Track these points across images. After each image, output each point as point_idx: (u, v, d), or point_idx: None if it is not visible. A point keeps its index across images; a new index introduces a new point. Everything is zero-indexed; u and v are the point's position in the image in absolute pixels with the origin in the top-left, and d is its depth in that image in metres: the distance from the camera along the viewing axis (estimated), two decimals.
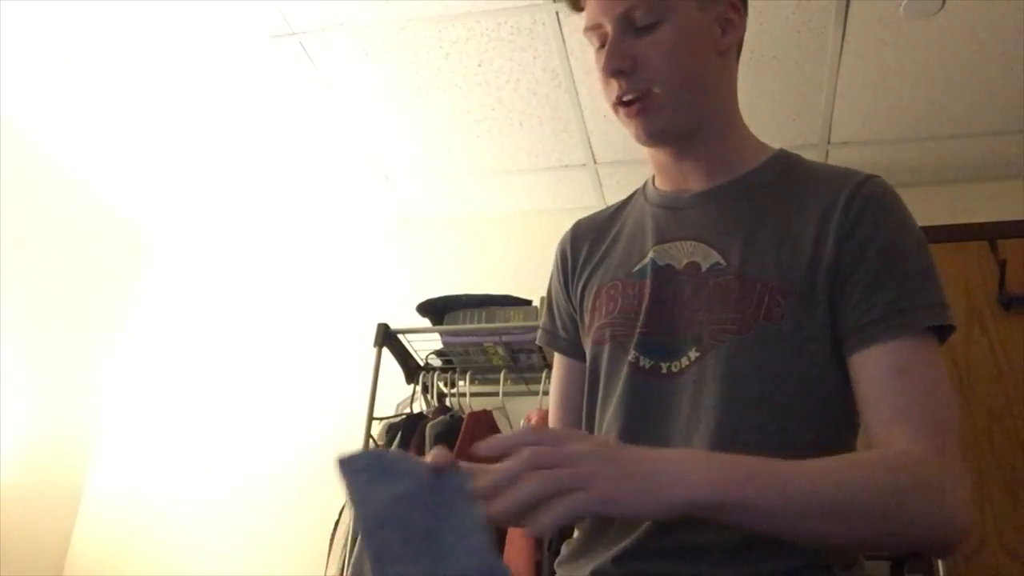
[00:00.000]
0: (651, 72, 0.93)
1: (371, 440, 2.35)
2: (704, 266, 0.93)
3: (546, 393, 2.38)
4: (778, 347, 0.86)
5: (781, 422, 0.85)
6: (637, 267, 0.98)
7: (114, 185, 3.08)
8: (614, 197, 2.98)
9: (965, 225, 2.73)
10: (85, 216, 3.09)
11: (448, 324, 2.55)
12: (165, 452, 3.01)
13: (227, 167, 2.96)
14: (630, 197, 1.11)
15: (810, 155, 2.65)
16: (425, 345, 2.59)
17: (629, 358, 0.93)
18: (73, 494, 2.99)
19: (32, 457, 2.79)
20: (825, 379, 0.87)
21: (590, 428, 0.99)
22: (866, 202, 0.91)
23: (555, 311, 1.11)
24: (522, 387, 2.58)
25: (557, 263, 1.11)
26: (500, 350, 2.48)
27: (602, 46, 0.95)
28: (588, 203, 3.02)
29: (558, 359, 1.10)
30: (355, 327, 2.95)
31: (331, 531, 2.46)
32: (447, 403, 2.55)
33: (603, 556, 0.86)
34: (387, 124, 2.67)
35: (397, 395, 2.61)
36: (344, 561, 2.22)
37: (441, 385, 2.60)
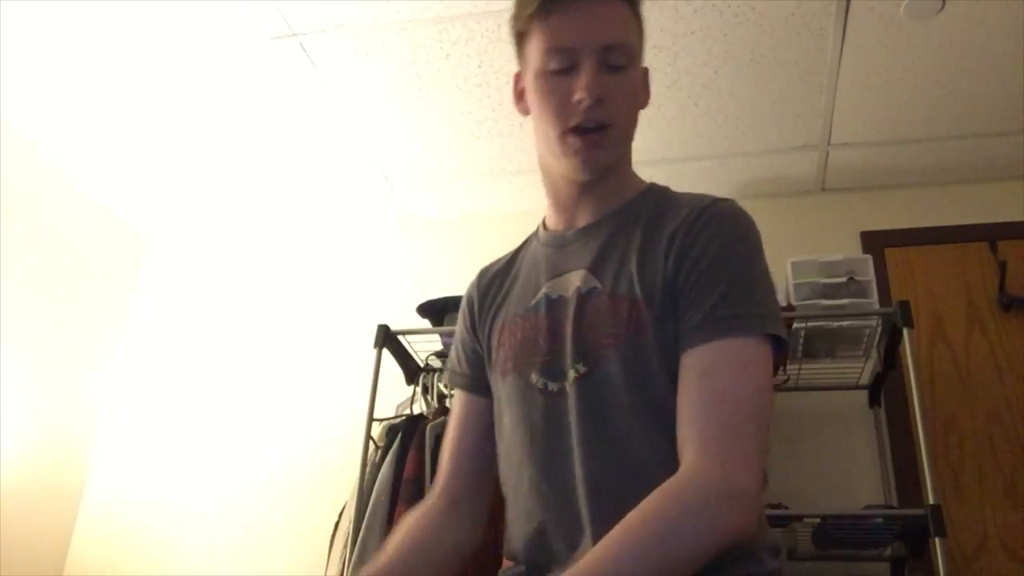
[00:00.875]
0: (615, 109, 1.00)
1: (371, 441, 2.35)
2: (584, 290, 1.02)
3: None
4: (647, 357, 0.94)
5: (658, 423, 0.92)
6: (533, 301, 1.07)
7: (114, 185, 3.08)
8: None
9: (966, 227, 2.73)
10: (85, 216, 3.08)
11: (448, 325, 2.54)
12: (165, 453, 3.01)
13: (227, 168, 2.96)
14: (525, 242, 1.22)
15: (810, 155, 2.69)
16: (425, 346, 2.59)
17: (535, 384, 1.01)
18: (73, 495, 2.98)
19: (32, 458, 2.79)
20: None
21: (501, 452, 1.07)
22: (706, 222, 0.98)
23: (460, 351, 1.20)
24: None
25: (464, 308, 1.21)
26: None
27: (562, 70, 1.00)
28: None
29: (459, 396, 1.18)
30: (355, 328, 2.95)
31: (331, 532, 2.45)
32: (447, 404, 2.55)
33: None
34: (387, 125, 2.67)
35: (397, 396, 2.61)
36: (344, 562, 2.22)
37: (441, 386, 2.60)
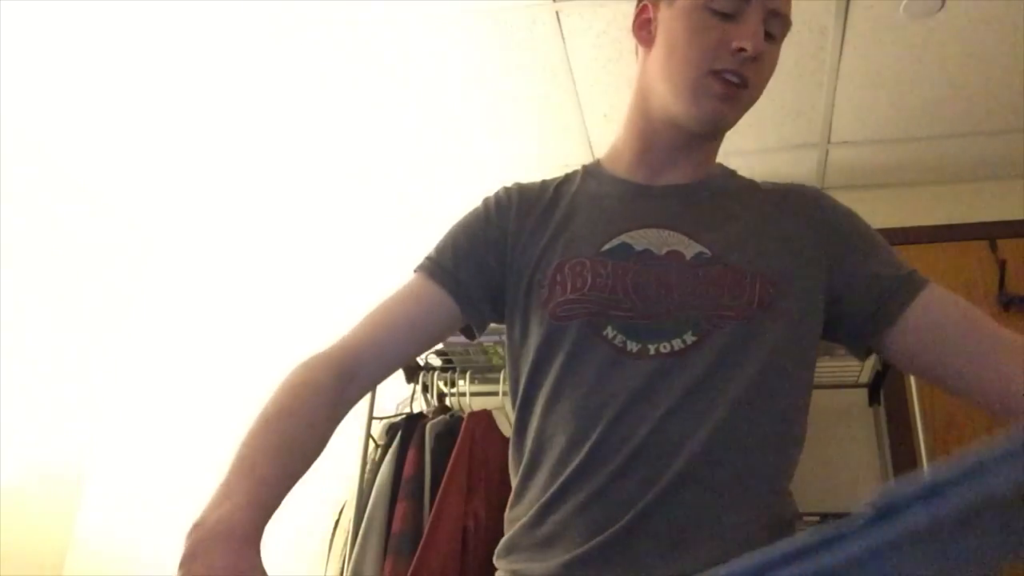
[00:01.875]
0: (758, 75, 0.99)
1: (371, 440, 2.35)
2: (687, 255, 0.95)
3: None
4: (774, 332, 0.91)
5: (780, 400, 0.91)
6: (606, 247, 0.97)
7: (117, 184, 3.08)
8: None
9: (965, 225, 2.73)
10: (86, 215, 3.08)
11: None
12: (167, 450, 3.01)
13: (227, 167, 2.96)
14: (566, 178, 1.11)
15: (810, 155, 2.70)
16: None
17: (611, 340, 0.91)
18: (73, 496, 2.98)
19: (32, 459, 2.79)
20: (808, 358, 0.96)
21: (531, 397, 0.97)
22: (828, 202, 1.05)
23: (461, 251, 1.07)
24: None
25: (492, 211, 1.09)
26: (500, 350, 2.48)
27: (725, 14, 0.96)
28: None
29: (425, 283, 1.06)
30: None
31: (331, 531, 2.46)
32: (447, 403, 2.55)
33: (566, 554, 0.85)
34: (387, 124, 2.67)
35: (397, 395, 2.61)
36: (344, 561, 2.22)
37: (441, 385, 2.60)
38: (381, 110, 2.60)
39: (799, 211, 1.02)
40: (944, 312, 0.94)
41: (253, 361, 3.10)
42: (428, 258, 1.09)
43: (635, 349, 0.90)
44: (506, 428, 2.44)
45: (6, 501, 2.65)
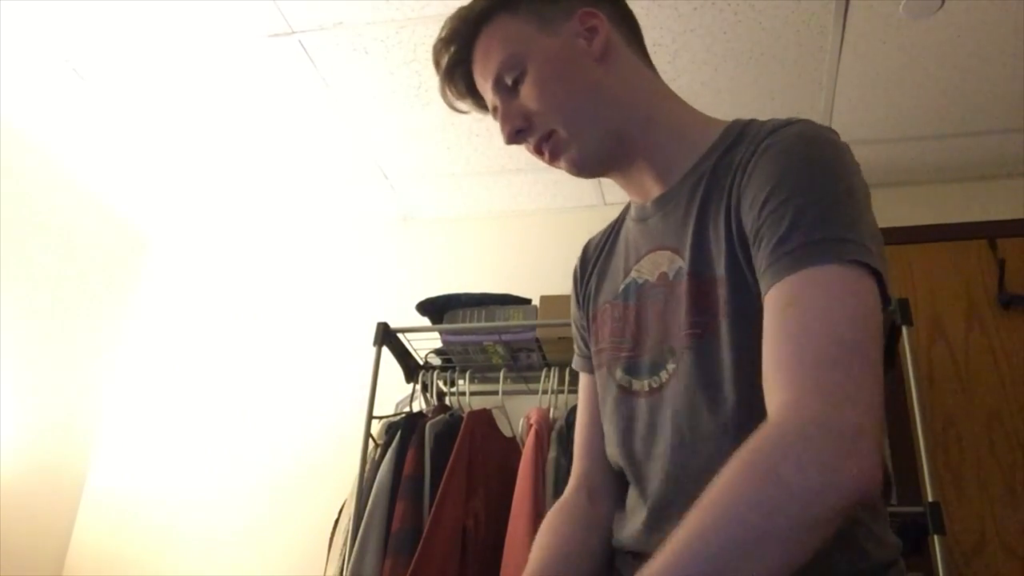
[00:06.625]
0: (541, 117, 0.96)
1: (371, 439, 2.35)
2: (671, 274, 0.90)
3: (546, 392, 2.38)
4: (737, 333, 0.80)
5: (740, 413, 0.79)
6: (621, 287, 0.98)
7: (114, 185, 3.08)
8: (613, 197, 2.98)
9: (965, 224, 2.73)
10: (85, 215, 3.08)
11: (448, 323, 2.55)
12: (165, 451, 3.01)
13: (227, 167, 2.96)
14: (624, 212, 1.09)
15: None
16: (425, 344, 2.59)
17: (619, 381, 0.94)
18: (74, 490, 2.98)
19: (34, 453, 2.79)
20: None
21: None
22: (762, 153, 0.82)
23: (576, 332, 1.11)
24: (522, 386, 2.58)
25: (577, 282, 1.12)
26: (500, 349, 2.48)
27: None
28: (588, 203, 3.03)
29: (584, 379, 1.09)
30: (355, 326, 2.95)
31: (331, 530, 2.46)
32: (447, 402, 2.55)
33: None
34: (386, 123, 2.67)
35: (397, 394, 2.61)
36: (344, 560, 2.22)
37: (441, 384, 2.60)
38: (379, 111, 2.60)
39: (736, 176, 0.84)
40: (765, 325, 0.74)
41: (253, 358, 3.10)
42: (577, 356, 1.12)
43: (636, 387, 0.92)
44: (506, 428, 2.44)
45: (7, 495, 2.65)
